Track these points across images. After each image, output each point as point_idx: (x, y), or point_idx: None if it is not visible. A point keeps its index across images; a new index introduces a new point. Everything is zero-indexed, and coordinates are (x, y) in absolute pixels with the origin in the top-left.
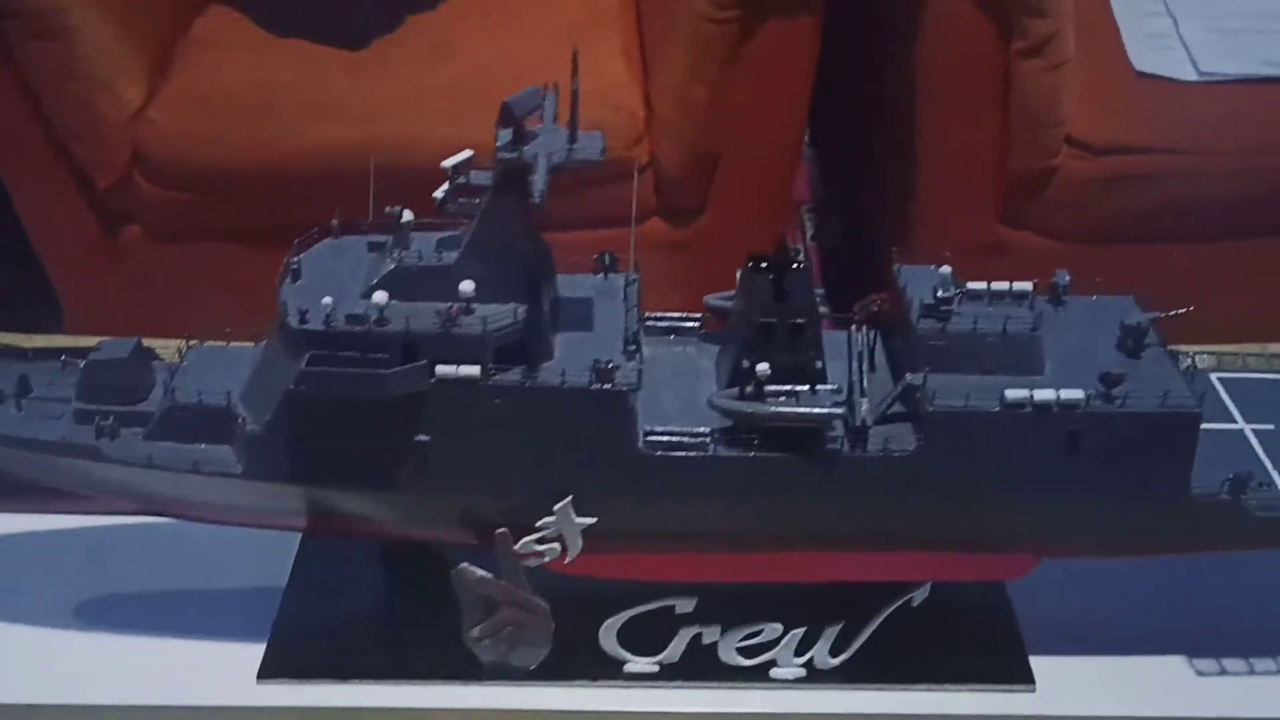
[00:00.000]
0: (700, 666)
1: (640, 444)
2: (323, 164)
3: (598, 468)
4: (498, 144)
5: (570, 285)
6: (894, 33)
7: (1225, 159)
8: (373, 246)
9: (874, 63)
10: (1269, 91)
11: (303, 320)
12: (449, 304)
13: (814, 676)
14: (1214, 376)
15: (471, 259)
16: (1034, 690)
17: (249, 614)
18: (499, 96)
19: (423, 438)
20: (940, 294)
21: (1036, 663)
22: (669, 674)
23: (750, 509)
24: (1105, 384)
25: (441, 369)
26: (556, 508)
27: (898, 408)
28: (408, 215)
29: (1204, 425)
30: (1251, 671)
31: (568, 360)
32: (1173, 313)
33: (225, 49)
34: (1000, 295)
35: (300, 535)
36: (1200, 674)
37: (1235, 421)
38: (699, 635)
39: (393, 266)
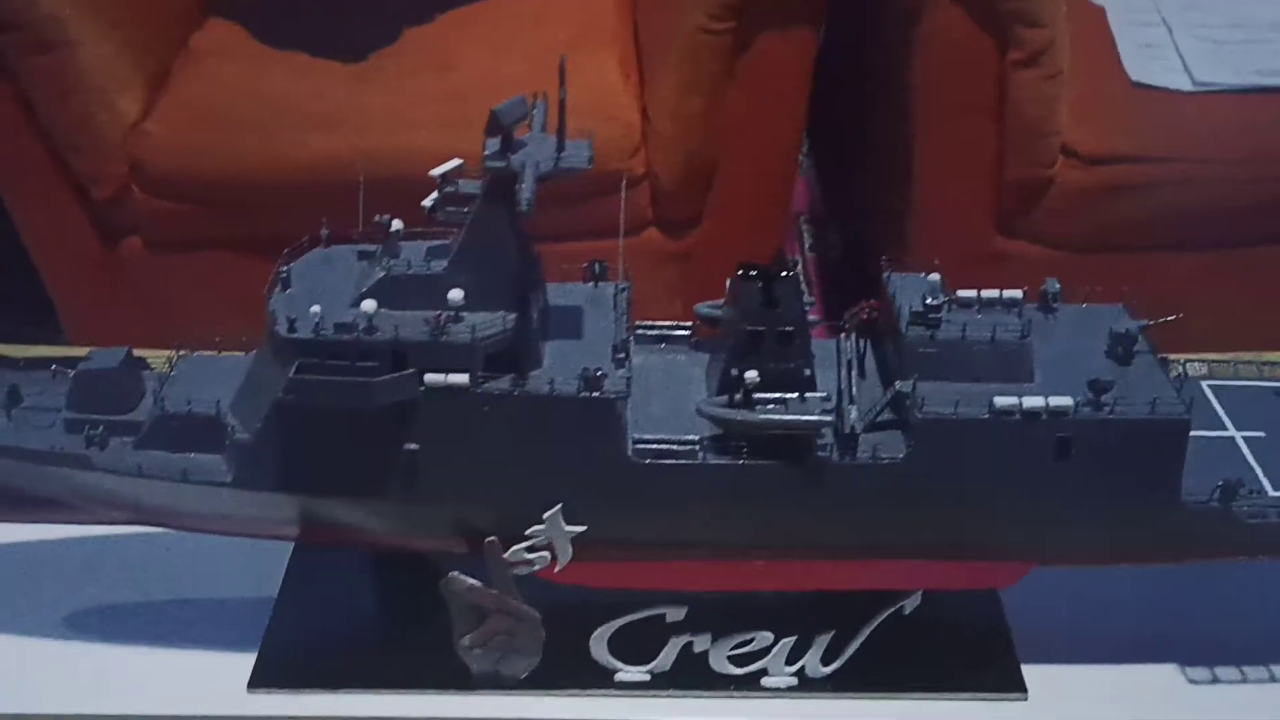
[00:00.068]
0: (691, 675)
1: (629, 452)
2: (320, 175)
3: (587, 476)
4: (485, 153)
5: (560, 294)
6: (890, 44)
7: (1221, 168)
8: (362, 255)
9: (871, 75)
10: (1264, 102)
11: (291, 329)
12: (438, 312)
13: (805, 685)
14: (1205, 384)
15: (460, 267)
16: (1026, 699)
17: (241, 624)
18: None
19: (412, 446)
20: (929, 301)
21: (1029, 671)
22: (660, 683)
23: (740, 517)
24: (1094, 391)
25: (430, 377)
26: (546, 516)
27: (887, 415)
28: (397, 224)
29: (1195, 433)
30: (1244, 680)
31: (557, 368)
32: (1162, 320)
33: (223, 61)
34: (990, 303)
35: (292, 545)
36: (1193, 682)
37: (1226, 429)
38: (690, 644)
39: (382, 275)
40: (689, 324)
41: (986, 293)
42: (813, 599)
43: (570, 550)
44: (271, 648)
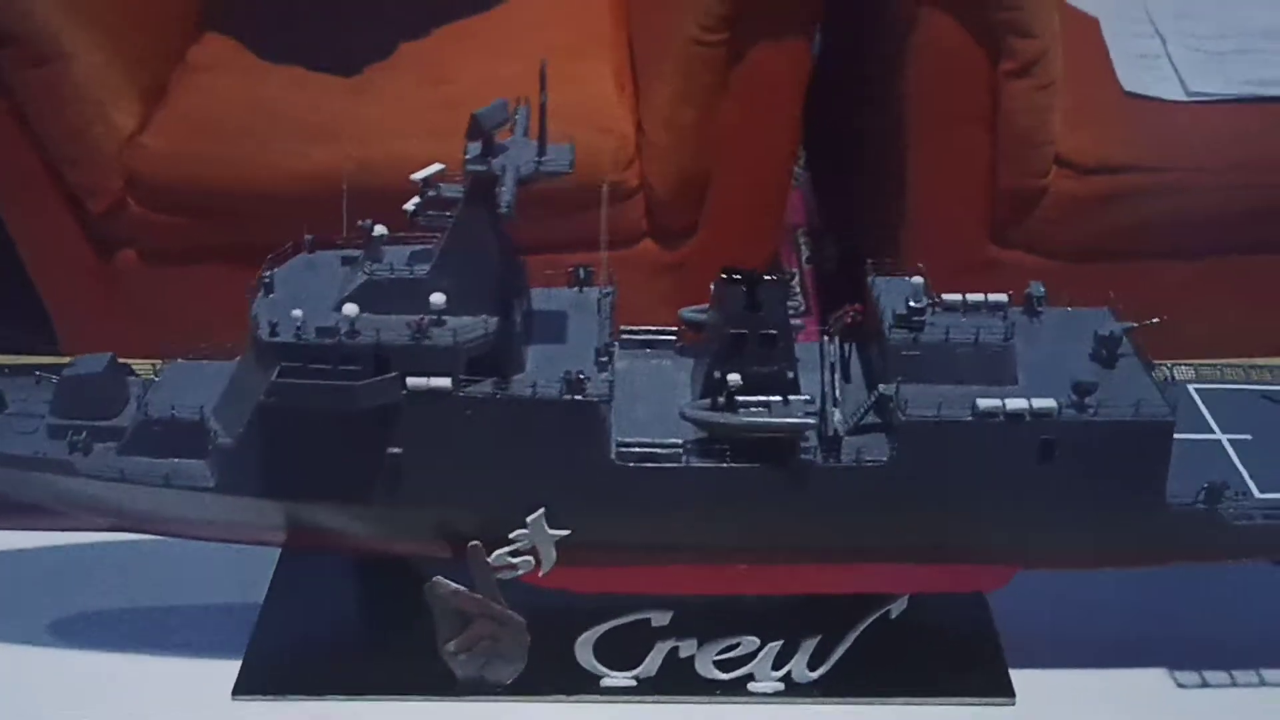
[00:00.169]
0: (678, 680)
1: (613, 455)
2: (317, 188)
3: (570, 479)
4: (466, 156)
5: (544, 299)
6: (883, 55)
7: (1214, 178)
8: (346, 261)
9: (865, 86)
10: (1257, 111)
11: (273, 333)
12: (420, 316)
13: (792, 690)
14: (1192, 388)
15: (442, 271)
16: (1014, 704)
17: (226, 630)
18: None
19: (395, 450)
20: (912, 304)
21: (1017, 676)
22: (646, 688)
23: (724, 520)
24: (1078, 393)
25: (413, 381)
26: (529, 520)
27: (872, 419)
28: (380, 229)
29: (1181, 436)
30: (1234, 684)
31: (540, 372)
32: (1145, 322)
33: (220, 75)
34: (975, 307)
35: (278, 552)
36: (1182, 686)
37: (1213, 432)
38: (676, 649)
39: (364, 279)
40: (674, 329)
41: (971, 296)
42: (798, 603)
43: (554, 554)
44: (256, 654)
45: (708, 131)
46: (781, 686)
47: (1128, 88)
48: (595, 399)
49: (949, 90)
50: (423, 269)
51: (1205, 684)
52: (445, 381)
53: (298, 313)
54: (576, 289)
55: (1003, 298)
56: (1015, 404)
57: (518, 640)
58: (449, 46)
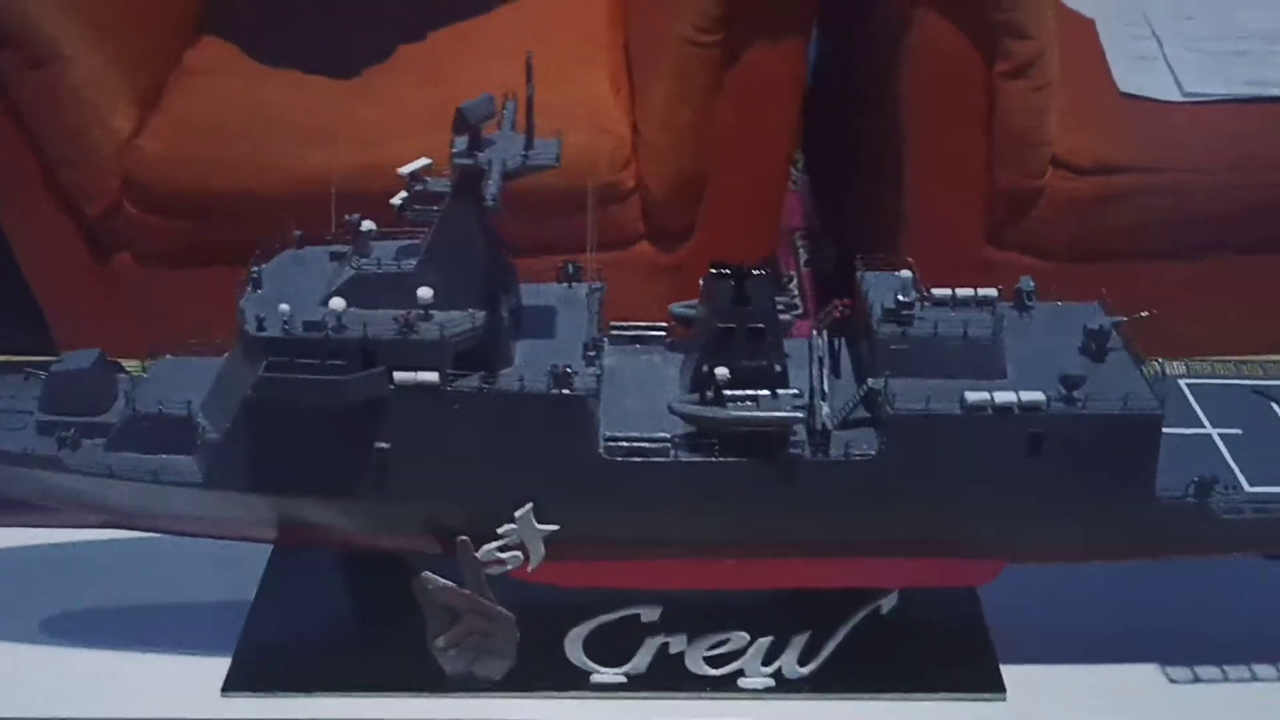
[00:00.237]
0: (668, 677)
1: (601, 450)
2: (314, 190)
3: (558, 474)
4: (453, 150)
5: (533, 294)
6: (879, 56)
7: (1210, 178)
8: (334, 256)
9: (862, 88)
10: (1253, 111)
11: (260, 327)
12: (407, 310)
13: (783, 686)
14: (1182, 382)
15: (430, 266)
16: (1005, 699)
17: (217, 627)
18: None
19: (382, 445)
20: (901, 299)
21: (1008, 671)
22: (637, 685)
23: (713, 515)
24: (1066, 386)
25: (400, 375)
26: (518, 514)
27: (861, 413)
28: (368, 224)
29: (1171, 430)
30: (1226, 679)
31: (528, 367)
32: (1137, 316)
33: (217, 77)
34: (965, 302)
35: (270, 549)
36: (1174, 682)
37: (1203, 426)
38: (665, 645)
39: (351, 274)
40: (664, 324)
41: (961, 291)
42: (788, 598)
43: (543, 549)
44: (246, 651)
45: (704, 132)
46: (772, 683)
47: (1124, 88)
48: (583, 393)
49: (945, 91)
50: (410, 264)
51: (1197, 679)
52: (432, 376)
53: (285, 307)
54: (565, 285)
55: (992, 292)
56: (1003, 397)
57: (507, 636)
58: (447, 49)
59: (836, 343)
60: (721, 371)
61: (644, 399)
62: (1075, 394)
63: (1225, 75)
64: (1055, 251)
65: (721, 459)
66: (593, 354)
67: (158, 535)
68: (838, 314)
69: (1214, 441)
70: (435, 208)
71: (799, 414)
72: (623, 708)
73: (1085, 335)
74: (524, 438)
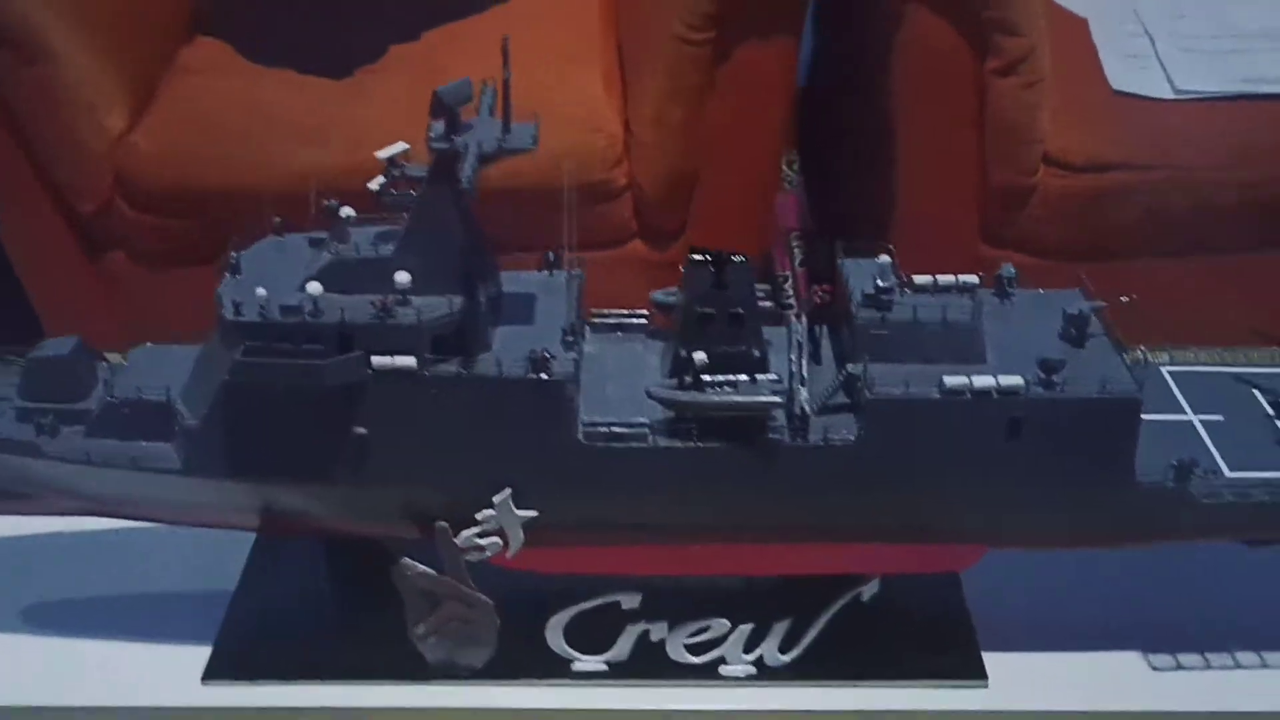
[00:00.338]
0: (649, 665)
1: (580, 435)
2: (307, 188)
3: (537, 459)
4: (430, 134)
5: (514, 281)
6: (872, 55)
7: (1203, 175)
8: (313, 243)
9: (856, 87)
10: (1246, 108)
11: (237, 312)
12: (385, 295)
13: (764, 674)
14: (1164, 370)
15: (408, 251)
16: (987, 686)
17: (200, 617)
18: None
19: (361, 430)
20: (880, 284)
21: (990, 659)
22: (618, 672)
23: (692, 500)
24: (1045, 370)
25: (378, 360)
26: (496, 500)
27: (841, 399)
28: (347, 211)
29: (1153, 417)
30: (1208, 666)
31: (506, 352)
32: (1122, 299)
33: (211, 76)
34: (945, 289)
35: (253, 538)
36: (1156, 669)
37: (1184, 413)
38: (646, 632)
39: (329, 259)
40: (645, 312)
41: (942, 278)
42: (769, 585)
43: (521, 535)
44: (227, 640)
45: (695, 130)
46: (754, 670)
47: (1116, 86)
48: (561, 378)
49: (936, 89)
50: (388, 249)
51: (1179, 666)
52: (410, 360)
53: (262, 292)
54: (546, 272)
55: (973, 279)
56: (982, 381)
57: (488, 623)
58: (441, 49)
59: (818, 329)
60: (699, 356)
61: (625, 386)
62: (1054, 378)
63: (1217, 73)
64: (1049, 249)
65: (700, 444)
66: (571, 339)
67: (140, 524)
68: (818, 300)
69: (1195, 428)
70: (413, 192)
71: (777, 399)
72: (605, 695)
73: (1065, 320)
74: (502, 423)
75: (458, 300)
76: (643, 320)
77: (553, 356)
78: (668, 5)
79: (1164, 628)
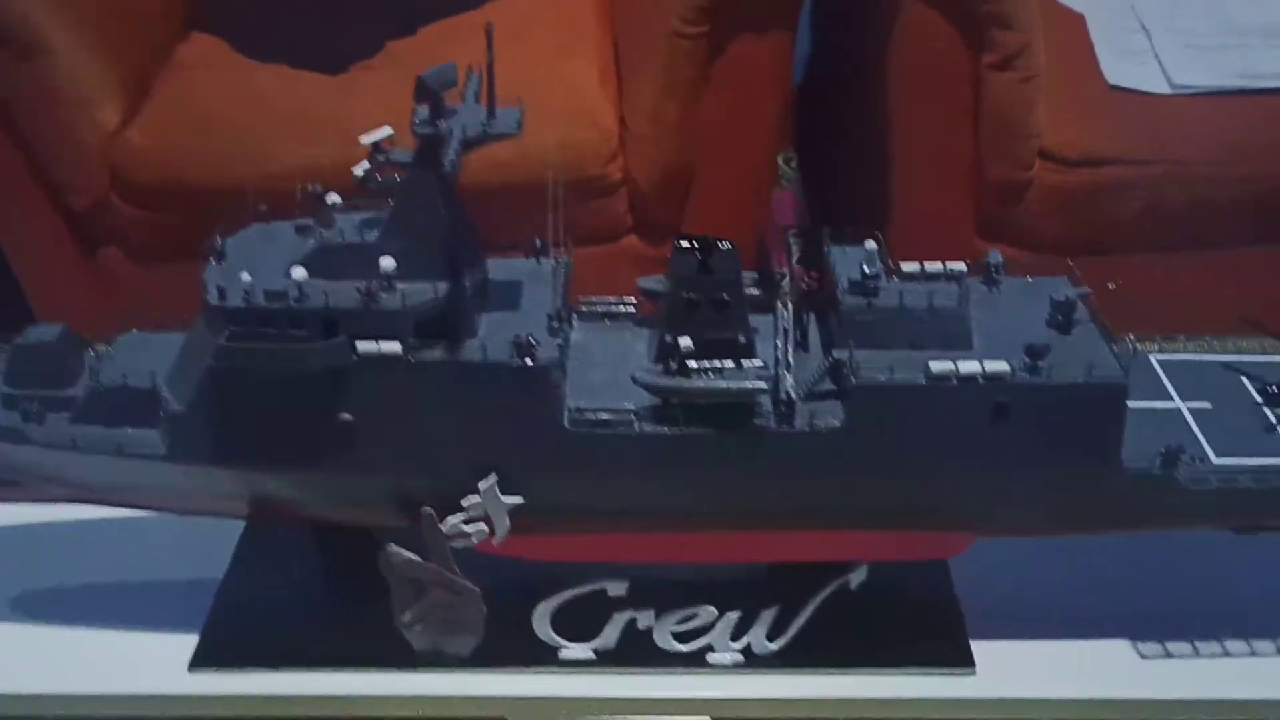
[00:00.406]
0: (637, 653)
1: (565, 421)
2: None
3: (522, 445)
4: (415, 119)
5: (501, 269)
6: (868, 51)
7: (1199, 169)
8: (299, 229)
9: (853, 83)
10: (1241, 103)
11: (222, 297)
12: (370, 280)
13: (752, 662)
14: (1153, 358)
15: (393, 236)
16: (974, 674)
17: (189, 605)
18: None
19: (346, 416)
20: (866, 270)
21: (977, 646)
22: (605, 660)
23: (678, 487)
24: (1031, 356)
25: (363, 345)
26: (482, 486)
27: (827, 385)
28: (334, 197)
29: (1141, 404)
30: (1196, 654)
31: (491, 337)
32: (1109, 285)
33: (205, 72)
34: (933, 276)
35: (241, 528)
36: (1144, 657)
37: (1172, 400)
38: (634, 620)
39: (314, 245)
40: (633, 300)
41: (930, 266)
42: (756, 573)
43: (507, 522)
44: (214, 628)
45: (690, 125)
46: (741, 658)
47: (1112, 81)
48: (546, 363)
49: (932, 83)
50: (373, 234)
51: (1168, 654)
52: (395, 345)
53: (246, 277)
54: (533, 259)
55: (961, 266)
56: (968, 366)
57: (474, 610)
58: (436, 45)
59: (805, 317)
60: (685, 342)
61: (611, 372)
62: (1040, 363)
63: (1214, 68)
64: (1044, 244)
65: (686, 430)
66: (557, 325)
67: (130, 513)
68: (804, 286)
69: (1183, 415)
70: (398, 178)
71: (762, 384)
72: (592, 683)
73: (1052, 307)
74: (487, 408)
75: (442, 285)
76: (630, 308)
77: (537, 342)
78: (663, 0)
79: (1152, 616)
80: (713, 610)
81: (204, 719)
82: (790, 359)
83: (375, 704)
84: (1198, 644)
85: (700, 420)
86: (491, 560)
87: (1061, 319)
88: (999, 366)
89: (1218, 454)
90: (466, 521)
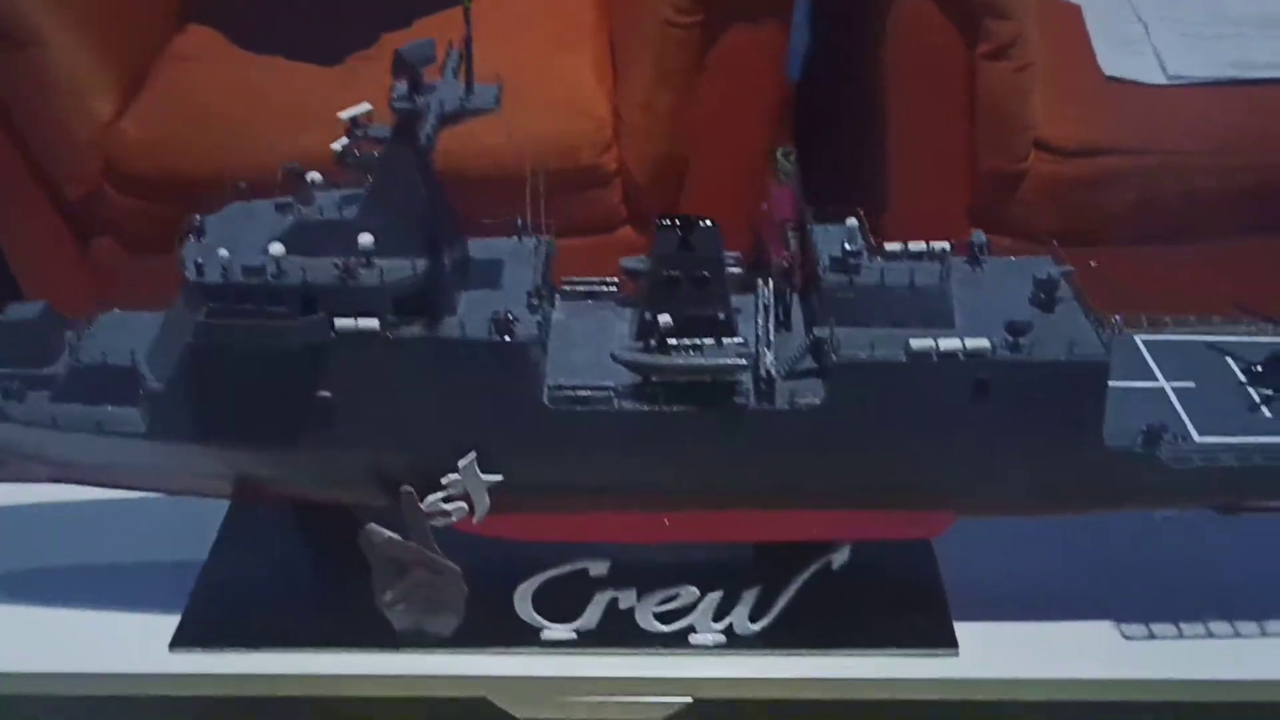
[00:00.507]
0: (618, 633)
1: (544, 398)
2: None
3: (501, 422)
4: (392, 94)
5: (483, 248)
6: (863, 41)
7: (1195, 160)
8: (279, 207)
9: (849, 75)
10: (1238, 93)
11: (200, 273)
12: (348, 256)
13: (734, 642)
14: (1138, 338)
15: (371, 212)
16: (957, 655)
17: (172, 586)
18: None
19: (324, 393)
20: (847, 247)
21: (960, 628)
22: (587, 640)
23: (658, 465)
24: (1012, 333)
25: (341, 322)
26: (461, 464)
27: (809, 363)
28: (314, 175)
29: (1125, 383)
30: (1180, 636)
31: (471, 315)
32: (1090, 264)
33: (201, 63)
34: (917, 255)
35: (225, 508)
36: (1128, 638)
37: (1156, 380)
38: (615, 600)
39: (293, 222)
40: (615, 279)
41: (914, 245)
42: (739, 553)
43: (487, 500)
44: (196, 607)
45: (684, 115)
46: (723, 639)
47: (1108, 71)
48: (524, 340)
49: (927, 73)
50: (352, 211)
51: (1152, 636)
52: (373, 322)
53: (224, 253)
54: (515, 239)
55: (944, 245)
56: (948, 344)
57: (455, 590)
58: (433, 36)
59: (789, 296)
60: (664, 319)
61: (593, 351)
62: (1021, 341)
63: (1209, 58)
64: (1039, 234)
65: (665, 408)
66: (536, 302)
67: (112, 494)
68: (786, 264)
69: (1166, 394)
70: (376, 154)
71: (742, 361)
72: (574, 664)
73: (1034, 285)
74: (466, 386)
75: (421, 262)
76: (613, 288)
77: (516, 319)
78: None
79: (1137, 597)
80: (695, 591)
81: (184, 698)
82: (771, 336)
83: (356, 684)
84: (1181, 625)
85: (680, 398)
86: (472, 540)
87: (1044, 297)
88: (980, 343)
89: (1200, 432)
90: (446, 500)
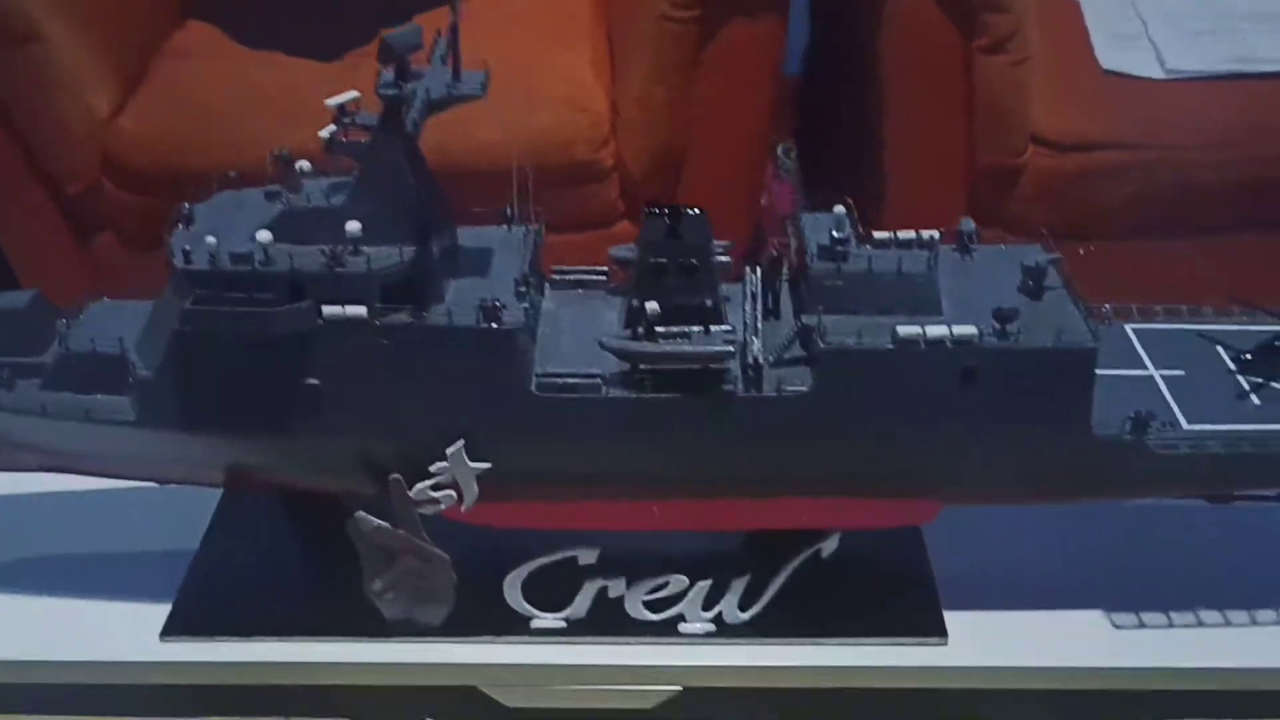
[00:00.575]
0: (608, 622)
1: (532, 386)
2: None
3: (489, 410)
4: (379, 81)
5: (471, 237)
6: (861, 38)
7: (1192, 154)
8: (268, 195)
9: (847, 70)
10: (1235, 88)
11: (188, 260)
12: (335, 244)
13: (724, 631)
14: (1128, 327)
15: (359, 200)
16: (947, 644)
17: (164, 575)
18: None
19: (312, 381)
20: (835, 235)
21: (950, 617)
22: (577, 629)
23: (646, 452)
24: (999, 320)
25: (329, 309)
26: (449, 452)
27: (797, 351)
28: (303, 164)
29: (1114, 371)
30: (1170, 625)
31: (459, 302)
32: (1082, 249)
33: (200, 59)
34: (905, 243)
35: (217, 498)
36: (1118, 627)
37: (1145, 368)
38: (605, 589)
39: (281, 209)
40: (605, 268)
41: (903, 233)
42: (728, 542)
43: (476, 488)
44: (187, 597)
45: (681, 110)
46: (713, 628)
47: (1106, 66)
48: (511, 327)
49: (925, 68)
50: (340, 198)
51: (1142, 625)
52: (361, 309)
53: (211, 240)
54: (504, 228)
55: (934, 233)
56: (935, 331)
57: (444, 578)
58: (430, 34)
59: (777, 283)
60: (651, 306)
61: (582, 339)
62: (1008, 328)
63: (1207, 52)
64: (1037, 228)
65: (653, 395)
66: (524, 290)
67: (103, 483)
68: (774, 251)
69: (1155, 382)
70: (364, 141)
71: (729, 348)
72: (564, 652)
73: (1023, 273)
74: (454, 373)
75: (409, 250)
76: (603, 276)
77: (503, 306)
78: None
79: (1126, 586)
80: (684, 579)
81: (175, 686)
82: (759, 324)
83: (346, 672)
84: (1171, 614)
85: (668, 385)
86: (462, 529)
87: (1033, 285)
88: (967, 330)
89: (1189, 420)
90: (434, 487)
